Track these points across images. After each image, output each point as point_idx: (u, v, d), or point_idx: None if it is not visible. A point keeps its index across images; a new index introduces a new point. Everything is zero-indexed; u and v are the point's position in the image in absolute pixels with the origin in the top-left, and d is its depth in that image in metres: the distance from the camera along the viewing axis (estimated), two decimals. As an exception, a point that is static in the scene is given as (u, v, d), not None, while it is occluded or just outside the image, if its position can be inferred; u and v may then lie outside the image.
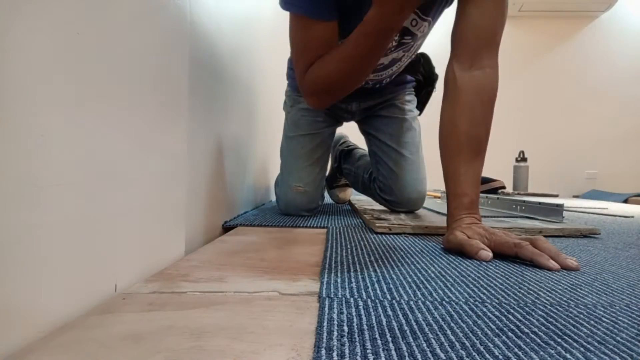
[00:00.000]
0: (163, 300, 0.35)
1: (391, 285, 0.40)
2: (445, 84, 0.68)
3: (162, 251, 0.49)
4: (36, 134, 0.28)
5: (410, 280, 0.42)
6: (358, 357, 0.24)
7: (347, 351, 0.24)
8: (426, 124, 1.15)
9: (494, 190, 2.30)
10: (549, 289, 0.40)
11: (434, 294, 0.37)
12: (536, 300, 0.36)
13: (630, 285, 0.42)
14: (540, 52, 3.16)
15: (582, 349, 0.26)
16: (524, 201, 1.06)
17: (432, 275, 0.45)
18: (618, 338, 0.28)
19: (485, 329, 0.29)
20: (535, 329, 0.29)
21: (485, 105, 0.65)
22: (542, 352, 0.25)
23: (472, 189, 0.62)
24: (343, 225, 0.85)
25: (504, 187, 2.38)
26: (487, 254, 0.53)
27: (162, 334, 0.28)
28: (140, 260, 0.43)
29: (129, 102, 0.40)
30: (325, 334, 0.27)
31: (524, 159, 2.72)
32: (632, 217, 1.28)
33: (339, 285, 0.40)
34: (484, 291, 0.39)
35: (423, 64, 1.09)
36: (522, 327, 0.29)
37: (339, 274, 0.44)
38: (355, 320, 0.30)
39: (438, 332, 0.28)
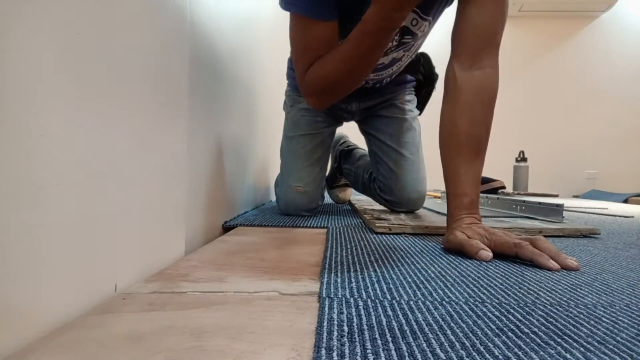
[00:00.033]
0: (163, 300, 0.35)
1: (391, 285, 0.40)
2: (445, 83, 0.68)
3: (162, 251, 0.49)
4: (36, 134, 0.28)
5: (410, 280, 0.42)
6: (358, 357, 0.24)
7: (347, 351, 0.24)
8: (426, 124, 1.15)
9: (494, 190, 2.30)
10: (549, 289, 0.40)
11: (434, 294, 0.37)
12: (536, 300, 0.36)
13: (630, 285, 0.42)
14: (540, 52, 3.16)
15: (582, 349, 0.26)
16: (524, 201, 1.06)
17: (432, 275, 0.45)
18: (618, 338, 0.28)
19: (485, 329, 0.29)
20: (535, 329, 0.29)
21: (485, 105, 0.65)
22: (542, 352, 0.25)
23: (472, 189, 0.62)
24: (343, 225, 0.85)
25: (504, 187, 2.38)
26: (487, 254, 0.53)
27: (162, 334, 0.28)
28: (140, 260, 0.43)
29: (129, 102, 0.40)
30: (325, 334, 0.27)
31: (524, 159, 2.72)
32: (632, 217, 1.28)
33: (339, 285, 0.40)
34: (484, 291, 0.39)
35: (423, 63, 1.09)
36: (522, 327, 0.29)
37: (339, 274, 0.44)
38: (355, 320, 0.30)
39: (438, 332, 0.28)
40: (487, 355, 0.24)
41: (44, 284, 0.29)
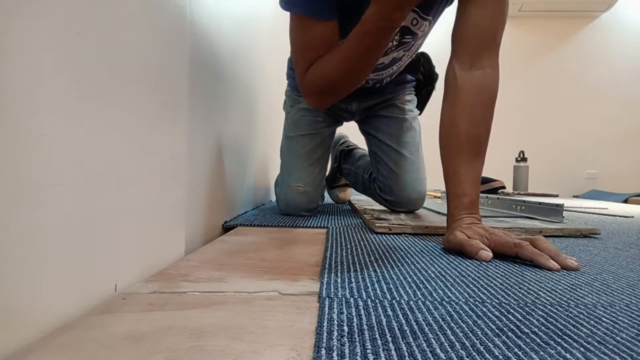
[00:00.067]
0: (163, 300, 0.35)
1: (391, 285, 0.40)
2: (445, 83, 0.68)
3: (162, 251, 0.49)
4: (36, 134, 0.28)
5: (410, 280, 0.42)
6: (358, 357, 0.24)
7: (347, 351, 0.24)
8: (426, 124, 1.15)
9: (494, 190, 2.30)
10: (549, 289, 0.40)
11: (434, 294, 0.37)
12: (536, 300, 0.36)
13: (630, 285, 0.42)
14: (540, 52, 3.16)
15: (582, 349, 0.26)
16: (524, 201, 1.06)
17: (432, 275, 0.45)
18: (618, 338, 0.28)
19: (485, 329, 0.29)
20: (535, 329, 0.29)
21: (485, 105, 0.65)
22: (542, 352, 0.25)
23: (472, 189, 0.62)
24: (343, 225, 0.85)
25: (504, 187, 2.38)
26: (487, 254, 0.53)
27: (162, 334, 0.28)
28: (140, 260, 0.43)
29: (129, 102, 0.40)
30: (325, 334, 0.27)
31: (524, 159, 2.72)
32: (632, 217, 1.28)
33: (339, 285, 0.40)
34: (484, 291, 0.39)
35: (423, 63, 1.09)
36: (522, 327, 0.29)
37: (339, 274, 0.44)
38: (355, 320, 0.30)
39: (438, 332, 0.28)
40: (487, 355, 0.24)
41: (44, 284, 0.29)
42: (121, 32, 0.38)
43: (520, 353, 0.25)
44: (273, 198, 1.56)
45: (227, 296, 0.37)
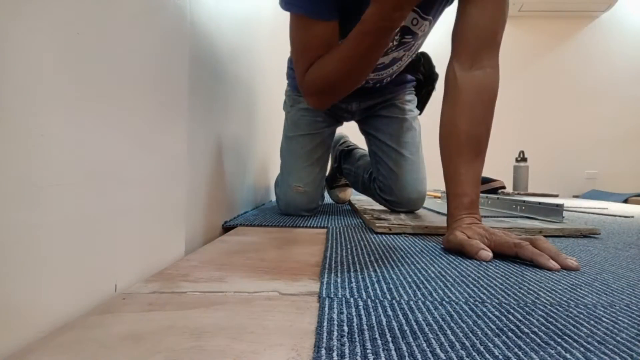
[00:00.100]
0: (163, 300, 0.35)
1: (391, 285, 0.40)
2: (445, 83, 0.68)
3: (162, 251, 0.49)
4: (36, 134, 0.28)
5: (410, 280, 0.42)
6: (358, 357, 0.24)
7: (347, 351, 0.24)
8: (426, 124, 1.15)
9: (494, 190, 2.30)
10: (549, 289, 0.40)
11: (434, 294, 0.37)
12: (536, 300, 0.36)
13: (630, 285, 0.42)
14: (540, 52, 3.16)
15: (582, 349, 0.26)
16: (524, 201, 1.06)
17: (432, 275, 0.45)
18: (618, 338, 0.28)
19: (485, 329, 0.29)
20: (535, 329, 0.29)
21: (485, 105, 0.65)
22: (542, 352, 0.25)
23: (472, 189, 0.62)
24: (343, 225, 0.85)
25: (504, 187, 2.38)
26: (487, 254, 0.53)
27: (162, 334, 0.28)
28: (140, 260, 0.43)
29: (129, 102, 0.40)
30: (325, 334, 0.27)
31: (524, 159, 2.72)
32: (632, 217, 1.28)
33: (339, 285, 0.40)
34: (484, 291, 0.39)
35: (423, 63, 1.09)
36: (522, 327, 0.29)
37: (339, 274, 0.44)
38: (355, 320, 0.30)
39: (438, 332, 0.28)
40: (487, 355, 0.24)
41: (44, 284, 0.29)
42: (121, 32, 0.38)
43: (520, 353, 0.25)
44: (273, 198, 1.56)
45: (227, 296, 0.37)
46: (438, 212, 1.06)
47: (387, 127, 1.06)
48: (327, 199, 1.60)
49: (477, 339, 0.27)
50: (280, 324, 0.30)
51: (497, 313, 0.32)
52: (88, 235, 0.34)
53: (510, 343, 0.26)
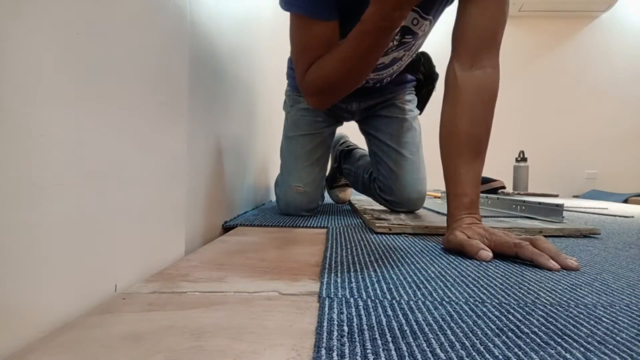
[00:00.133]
0: (163, 300, 0.35)
1: (391, 285, 0.40)
2: (445, 83, 0.68)
3: (162, 251, 0.49)
4: (36, 134, 0.28)
5: (410, 280, 0.42)
6: (358, 357, 0.24)
7: (347, 351, 0.24)
8: (426, 124, 1.15)
9: (494, 190, 2.30)
10: (549, 289, 0.40)
11: (434, 294, 0.37)
12: (536, 300, 0.36)
13: (630, 285, 0.42)
14: (540, 52, 3.16)
15: (582, 349, 0.26)
16: (524, 201, 1.06)
17: (432, 275, 0.45)
18: (618, 338, 0.28)
19: (485, 329, 0.29)
20: (535, 329, 0.29)
21: (485, 105, 0.65)
22: (542, 352, 0.25)
23: (472, 189, 0.62)
24: (343, 225, 0.85)
25: (504, 187, 2.38)
26: (487, 254, 0.53)
27: (162, 334, 0.28)
28: (140, 260, 0.43)
29: (129, 102, 0.40)
30: (325, 334, 0.27)
31: (524, 159, 2.72)
32: (632, 217, 1.28)
33: (339, 285, 0.40)
34: (484, 291, 0.39)
35: (423, 63, 1.09)
36: (522, 327, 0.29)
37: (339, 274, 0.44)
38: (355, 320, 0.30)
39: (438, 332, 0.28)
40: (487, 355, 0.24)
41: (44, 284, 0.29)
42: (121, 32, 0.38)
43: (520, 353, 0.25)
44: (273, 198, 1.56)
45: (227, 296, 0.37)
46: (438, 212, 1.06)
47: (387, 127, 1.06)
48: (327, 199, 1.60)
49: (477, 339, 0.27)
50: (280, 324, 0.30)
51: (497, 313, 0.32)
52: (88, 235, 0.34)
53: (510, 343, 0.26)
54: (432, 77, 1.11)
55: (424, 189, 1.06)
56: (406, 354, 0.24)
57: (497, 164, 2.32)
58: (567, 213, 1.29)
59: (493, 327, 0.29)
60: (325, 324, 0.29)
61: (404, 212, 1.04)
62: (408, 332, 0.28)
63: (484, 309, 0.33)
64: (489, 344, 0.26)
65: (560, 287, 0.41)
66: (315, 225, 0.85)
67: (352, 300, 0.35)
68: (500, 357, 0.24)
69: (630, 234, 0.85)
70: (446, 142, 0.66)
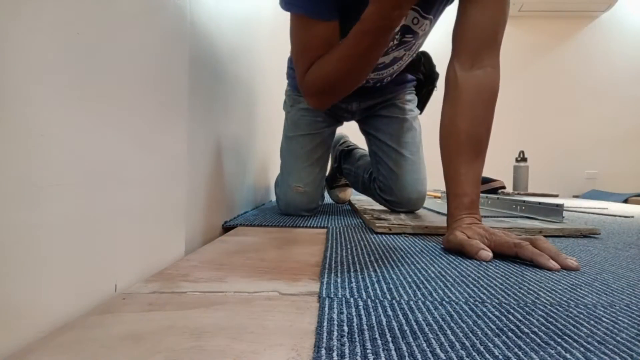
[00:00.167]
0: (163, 300, 0.35)
1: (391, 285, 0.40)
2: (446, 83, 0.68)
3: (162, 251, 0.49)
4: (36, 134, 0.28)
5: (410, 280, 0.42)
6: (358, 357, 0.24)
7: (347, 351, 0.24)
8: (427, 124, 1.15)
9: (494, 190, 2.30)
10: (549, 289, 0.40)
11: (434, 294, 0.37)
12: (536, 300, 0.36)
13: (630, 285, 0.42)
14: (540, 52, 3.16)
15: (582, 349, 0.26)
16: (524, 201, 1.06)
17: (432, 275, 0.45)
18: (618, 338, 0.28)
19: (485, 329, 0.29)
20: (535, 329, 0.29)
21: (486, 104, 0.65)
22: (542, 352, 0.25)
23: (472, 189, 0.62)
24: (343, 225, 0.85)
25: (504, 187, 2.38)
26: (487, 254, 0.53)
27: (162, 334, 0.28)
28: (140, 260, 0.43)
29: (129, 102, 0.40)
30: (325, 334, 0.27)
31: (524, 159, 2.72)
32: (632, 217, 1.28)
33: (339, 285, 0.40)
34: (484, 291, 0.39)
35: (424, 62, 1.09)
36: (522, 327, 0.29)
37: (339, 274, 0.44)
38: (355, 320, 0.30)
39: (438, 332, 0.28)
40: (487, 355, 0.24)
41: (44, 284, 0.29)
42: (121, 32, 0.38)
43: (520, 353, 0.25)
44: (273, 198, 1.56)
45: (227, 296, 0.37)
46: (438, 212, 1.06)
47: (387, 127, 1.06)
48: (327, 199, 1.60)
49: (477, 339, 0.27)
50: (280, 324, 0.30)
51: (497, 313, 0.32)
52: (88, 235, 0.34)
53: (510, 343, 0.26)
54: (432, 76, 1.11)
55: (424, 189, 1.06)
56: (406, 354, 0.24)
57: (497, 164, 2.32)
58: (567, 213, 1.29)
59: (493, 327, 0.29)
60: (325, 324, 0.29)
61: (404, 212, 1.04)
62: (408, 332, 0.28)
63: (484, 309, 0.33)
64: (489, 344, 0.26)
65: (560, 287, 0.41)
66: (315, 225, 0.85)
67: (352, 300, 0.35)
68: (500, 357, 0.24)
69: (630, 234, 0.85)
70: (446, 142, 0.66)
